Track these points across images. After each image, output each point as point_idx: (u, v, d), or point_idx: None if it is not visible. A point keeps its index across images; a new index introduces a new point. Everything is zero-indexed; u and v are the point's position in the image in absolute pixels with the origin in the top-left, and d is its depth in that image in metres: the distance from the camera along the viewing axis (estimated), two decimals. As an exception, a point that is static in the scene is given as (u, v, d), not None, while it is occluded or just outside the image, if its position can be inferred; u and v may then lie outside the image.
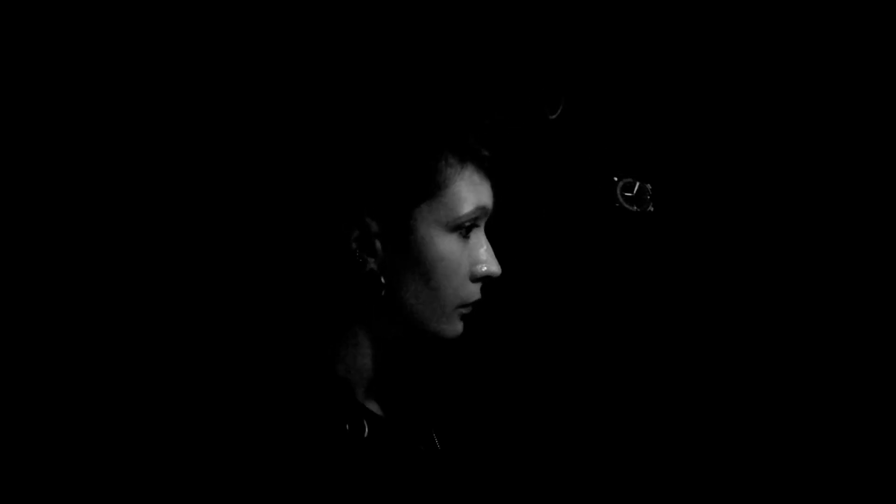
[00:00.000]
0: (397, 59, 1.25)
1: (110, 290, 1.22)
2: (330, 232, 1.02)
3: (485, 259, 1.05)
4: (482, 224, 1.07)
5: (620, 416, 1.37)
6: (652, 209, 1.18)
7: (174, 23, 1.24)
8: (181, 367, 1.18)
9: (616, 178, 1.19)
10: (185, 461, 1.02)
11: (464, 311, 1.06)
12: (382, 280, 1.01)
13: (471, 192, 1.03)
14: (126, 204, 1.23)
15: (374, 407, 1.08)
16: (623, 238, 1.30)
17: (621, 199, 1.18)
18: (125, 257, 1.22)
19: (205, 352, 1.16)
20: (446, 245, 1.03)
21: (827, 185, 1.38)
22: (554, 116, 1.25)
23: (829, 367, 1.38)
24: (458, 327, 1.06)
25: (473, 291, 1.05)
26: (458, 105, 1.09)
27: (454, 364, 1.25)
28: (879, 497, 1.35)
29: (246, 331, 1.12)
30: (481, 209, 1.05)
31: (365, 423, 1.02)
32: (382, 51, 1.26)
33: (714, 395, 1.38)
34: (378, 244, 1.02)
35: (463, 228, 1.04)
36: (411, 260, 1.02)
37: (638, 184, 1.19)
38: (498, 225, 1.11)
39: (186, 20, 1.24)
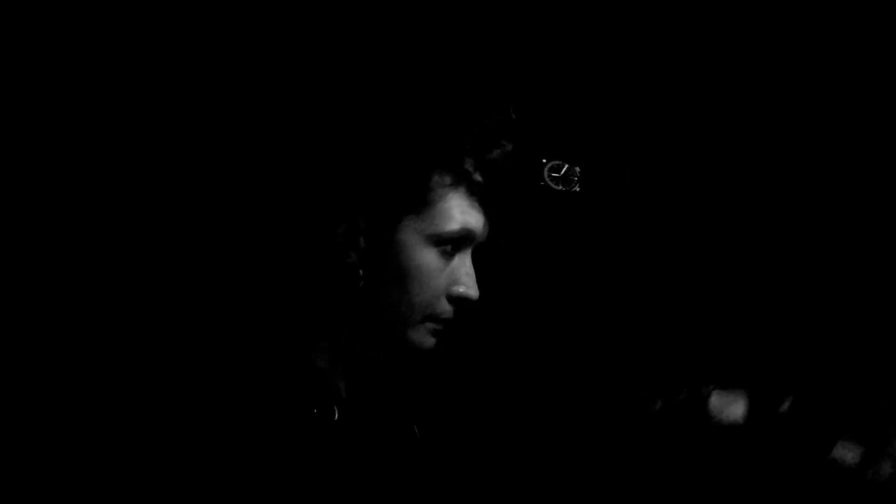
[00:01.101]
0: (409, 72, 1.28)
1: (89, 276, 1.22)
2: (319, 220, 1.06)
3: (463, 281, 1.08)
4: (469, 247, 1.10)
5: (633, 421, 1.38)
6: (577, 189, 1.22)
7: (167, 21, 1.24)
8: (159, 351, 1.19)
9: (545, 160, 1.22)
10: (155, 443, 1.04)
11: (433, 325, 1.08)
12: (361, 272, 1.05)
13: (459, 212, 1.07)
14: (119, 196, 1.24)
15: (351, 396, 1.10)
16: (548, 216, 1.34)
17: (547, 179, 1.21)
18: (108, 244, 1.23)
19: (185, 339, 1.17)
20: (425, 257, 1.06)
21: (749, 168, 1.40)
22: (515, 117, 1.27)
23: (833, 381, 1.39)
24: (425, 340, 1.08)
25: (445, 309, 1.08)
26: (460, 129, 1.11)
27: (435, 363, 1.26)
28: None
29: (226, 319, 1.15)
30: (466, 231, 1.07)
31: (335, 408, 1.05)
32: (397, 62, 1.28)
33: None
34: (362, 240, 1.05)
35: (447, 245, 1.07)
36: (390, 262, 1.05)
37: (566, 166, 1.22)
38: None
39: (181, 19, 1.25)
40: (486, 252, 1.14)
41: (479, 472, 1.27)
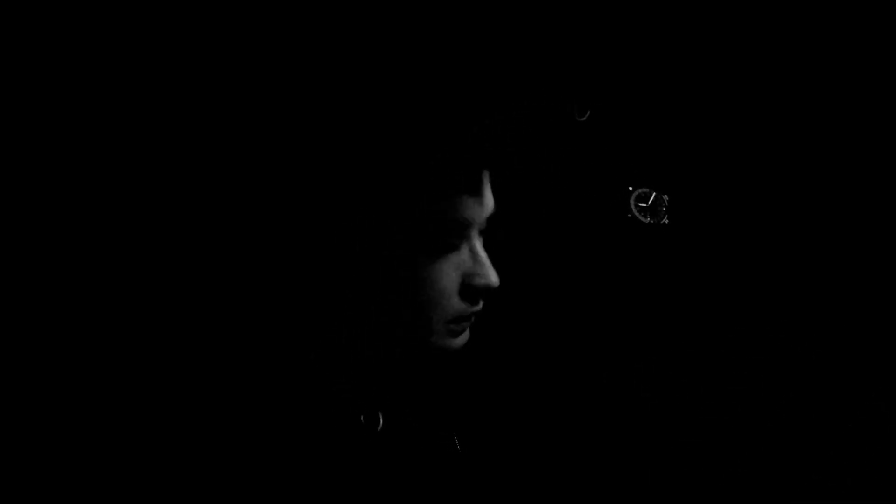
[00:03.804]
0: (410, 69, 1.24)
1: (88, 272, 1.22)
2: (316, 219, 0.99)
3: (478, 271, 0.98)
4: (474, 232, 1.01)
5: (634, 421, 1.37)
6: (667, 221, 1.15)
7: (166, 21, 1.24)
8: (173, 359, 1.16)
9: (630, 188, 1.17)
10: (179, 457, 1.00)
11: (457, 326, 0.98)
12: (360, 272, 0.97)
13: (453, 206, 0.97)
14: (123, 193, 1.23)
15: (390, 402, 1.05)
16: (634, 249, 1.27)
17: (634, 210, 1.15)
18: (114, 244, 1.23)
19: (199, 344, 1.14)
20: (429, 259, 0.97)
21: (845, 199, 1.37)
22: (583, 119, 1.21)
23: (833, 380, 1.39)
24: (453, 341, 0.98)
25: (465, 307, 0.97)
26: (461, 128, 1.04)
27: (471, 369, 1.24)
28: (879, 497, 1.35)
29: (229, 318, 1.11)
30: (463, 220, 0.98)
31: (380, 415, 1.00)
32: (397, 60, 1.25)
33: (722, 405, 1.38)
34: (360, 242, 0.97)
35: (449, 238, 0.98)
36: (394, 269, 0.97)
37: (654, 194, 1.16)
38: (504, 232, 1.08)
39: (181, 18, 1.24)
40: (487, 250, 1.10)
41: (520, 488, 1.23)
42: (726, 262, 1.38)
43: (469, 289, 0.97)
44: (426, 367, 1.10)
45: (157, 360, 1.15)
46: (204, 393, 1.02)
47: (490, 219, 1.02)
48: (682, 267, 1.39)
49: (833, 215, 1.39)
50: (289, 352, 1.03)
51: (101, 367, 1.18)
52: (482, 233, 1.01)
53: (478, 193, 0.98)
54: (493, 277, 0.97)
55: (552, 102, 1.21)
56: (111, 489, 1.04)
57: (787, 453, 1.37)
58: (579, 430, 1.36)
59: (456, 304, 0.96)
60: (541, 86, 1.26)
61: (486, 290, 0.98)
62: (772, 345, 1.40)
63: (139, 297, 1.22)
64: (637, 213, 1.13)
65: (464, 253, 0.97)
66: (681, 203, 1.21)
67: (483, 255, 0.98)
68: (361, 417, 0.99)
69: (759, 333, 1.40)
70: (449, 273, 0.96)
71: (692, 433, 1.38)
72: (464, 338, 0.99)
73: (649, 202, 1.16)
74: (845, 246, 1.38)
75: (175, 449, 0.97)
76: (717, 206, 1.37)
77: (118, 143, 1.23)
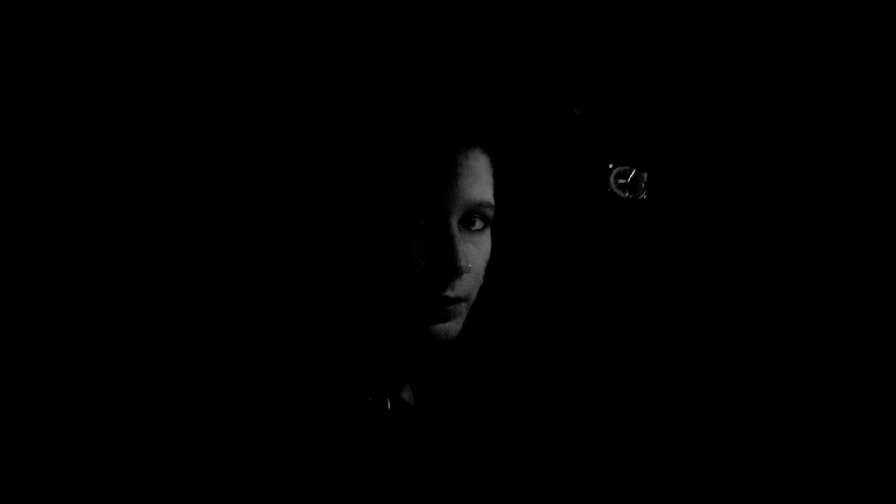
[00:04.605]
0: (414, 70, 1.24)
1: (106, 272, 1.21)
2: (325, 217, 1.00)
3: (440, 258, 0.97)
4: (445, 217, 1.00)
5: (634, 421, 1.37)
6: (645, 197, 1.16)
7: (166, 21, 1.24)
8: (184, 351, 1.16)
9: (611, 165, 1.18)
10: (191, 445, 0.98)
11: (441, 311, 0.98)
12: (359, 265, 0.97)
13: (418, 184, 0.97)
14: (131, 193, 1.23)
15: (403, 393, 1.06)
16: (614, 225, 1.29)
17: (614, 186, 1.17)
18: (125, 245, 1.22)
19: (212, 335, 1.14)
20: (397, 241, 0.96)
21: (823, 177, 1.39)
22: (578, 112, 1.23)
23: (825, 359, 1.39)
24: (438, 329, 0.98)
25: (439, 293, 0.97)
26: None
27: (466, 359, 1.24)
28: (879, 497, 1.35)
29: (240, 315, 1.11)
30: (429, 199, 0.98)
31: (388, 400, 1.00)
32: (401, 60, 1.26)
33: (703, 385, 1.39)
34: (364, 237, 0.97)
35: (417, 220, 0.98)
36: (375, 254, 0.97)
37: (634, 171, 1.18)
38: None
39: (190, 20, 1.24)
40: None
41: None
42: (729, 263, 1.38)
43: (436, 272, 0.95)
44: (430, 359, 1.11)
45: (170, 355, 1.14)
46: (209, 386, 1.01)
47: (500, 215, 1.02)
48: (681, 268, 1.38)
49: (822, 197, 1.39)
50: (294, 349, 1.03)
51: (105, 363, 1.18)
52: (474, 220, 1.00)
53: (444, 178, 0.96)
54: (453, 261, 0.95)
55: (551, 96, 1.22)
56: (112, 487, 1.03)
57: (787, 453, 1.37)
58: (577, 429, 1.35)
59: (426, 287, 0.95)
60: (536, 79, 1.26)
61: (449, 274, 0.95)
62: (771, 345, 1.40)
63: (143, 299, 1.21)
64: (616, 189, 1.14)
65: (434, 236, 0.96)
66: (661, 181, 1.23)
67: (451, 238, 0.96)
68: (370, 399, 1.00)
69: (760, 333, 1.40)
70: (415, 256, 0.95)
71: (692, 433, 1.38)
72: (447, 326, 0.98)
73: (629, 179, 1.18)
74: (838, 233, 1.38)
75: (183, 437, 0.97)
76: (700, 185, 1.37)
77: (117, 143, 1.23)
